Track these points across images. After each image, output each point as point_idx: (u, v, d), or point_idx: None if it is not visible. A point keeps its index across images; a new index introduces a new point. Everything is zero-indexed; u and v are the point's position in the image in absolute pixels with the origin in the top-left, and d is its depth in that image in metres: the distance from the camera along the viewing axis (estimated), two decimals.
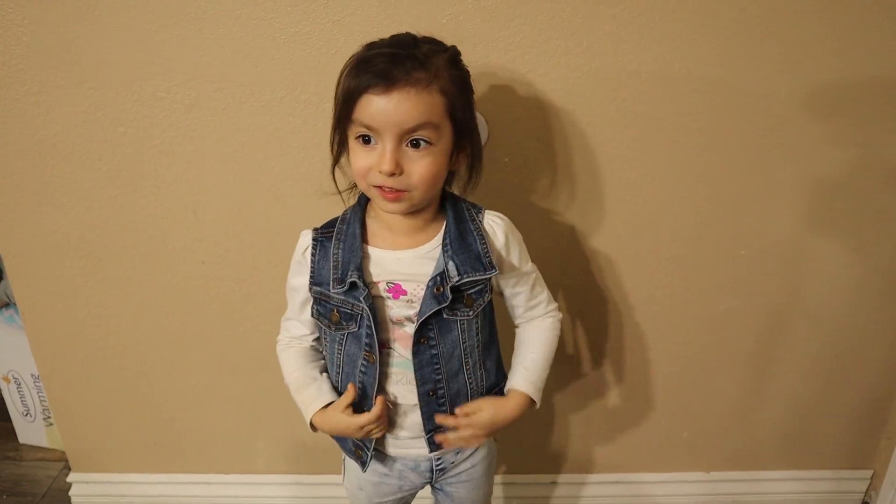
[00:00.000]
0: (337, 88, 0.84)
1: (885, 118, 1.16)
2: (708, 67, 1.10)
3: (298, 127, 1.12)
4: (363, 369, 0.91)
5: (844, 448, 1.51)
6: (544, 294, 1.01)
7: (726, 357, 1.39)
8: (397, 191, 0.82)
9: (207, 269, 1.25)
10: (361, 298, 0.87)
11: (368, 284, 0.88)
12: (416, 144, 0.80)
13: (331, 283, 0.88)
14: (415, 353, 0.90)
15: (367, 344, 0.89)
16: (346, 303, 0.89)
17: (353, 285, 0.87)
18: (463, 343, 0.92)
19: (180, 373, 1.36)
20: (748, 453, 1.51)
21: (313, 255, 0.91)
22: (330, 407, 0.94)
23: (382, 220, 0.91)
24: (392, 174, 0.80)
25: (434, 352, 0.90)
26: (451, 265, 0.87)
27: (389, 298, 0.89)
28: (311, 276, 0.91)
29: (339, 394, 0.95)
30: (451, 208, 0.91)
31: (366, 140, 0.81)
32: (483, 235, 0.90)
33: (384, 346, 0.91)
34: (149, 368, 1.36)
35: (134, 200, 1.19)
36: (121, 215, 1.20)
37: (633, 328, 1.34)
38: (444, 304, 0.87)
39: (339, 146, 0.89)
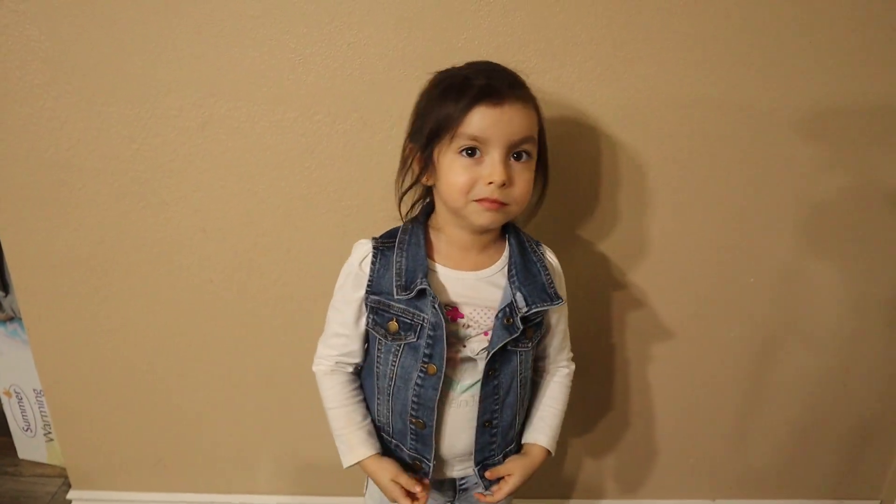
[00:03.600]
0: (422, 111, 0.85)
1: None
2: (719, 90, 1.11)
3: (311, 147, 1.12)
4: (419, 381, 0.89)
5: (851, 478, 1.50)
6: (568, 339, 1.03)
7: (731, 384, 1.38)
8: (501, 203, 0.82)
9: (215, 288, 1.25)
10: (436, 306, 0.85)
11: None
12: (518, 157, 0.82)
13: (393, 290, 0.87)
14: (483, 384, 0.90)
15: (426, 354, 0.87)
16: (406, 312, 0.87)
17: (422, 293, 0.86)
18: (520, 374, 0.92)
19: (184, 391, 1.35)
20: (754, 481, 1.49)
21: (373, 263, 0.90)
22: (388, 463, 0.93)
23: (448, 235, 0.90)
24: (503, 184, 0.80)
25: (496, 382, 0.91)
26: (518, 296, 0.87)
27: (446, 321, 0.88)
28: (368, 285, 0.89)
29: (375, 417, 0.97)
30: (513, 237, 0.92)
31: (470, 153, 0.81)
32: (546, 267, 0.92)
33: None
34: (153, 386, 1.35)
35: (144, 217, 1.19)
36: (130, 231, 1.20)
37: (641, 355, 1.34)
38: (516, 335, 0.87)
39: (425, 164, 0.86)
